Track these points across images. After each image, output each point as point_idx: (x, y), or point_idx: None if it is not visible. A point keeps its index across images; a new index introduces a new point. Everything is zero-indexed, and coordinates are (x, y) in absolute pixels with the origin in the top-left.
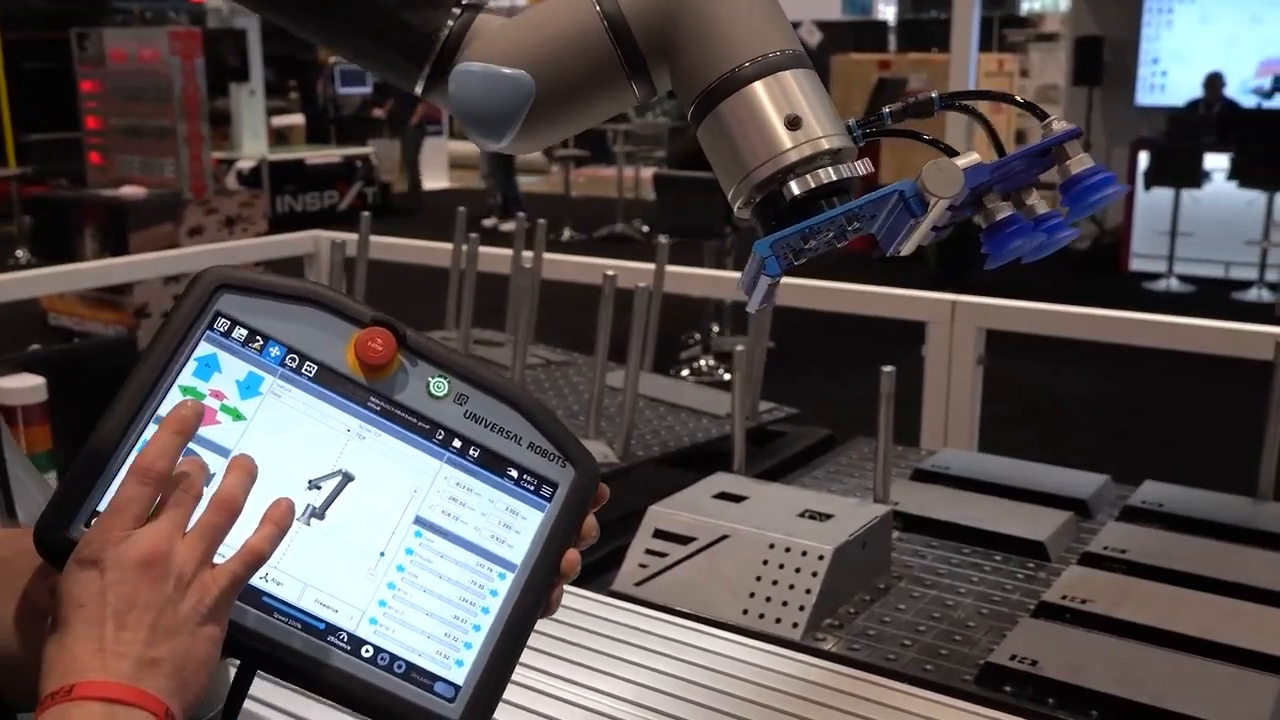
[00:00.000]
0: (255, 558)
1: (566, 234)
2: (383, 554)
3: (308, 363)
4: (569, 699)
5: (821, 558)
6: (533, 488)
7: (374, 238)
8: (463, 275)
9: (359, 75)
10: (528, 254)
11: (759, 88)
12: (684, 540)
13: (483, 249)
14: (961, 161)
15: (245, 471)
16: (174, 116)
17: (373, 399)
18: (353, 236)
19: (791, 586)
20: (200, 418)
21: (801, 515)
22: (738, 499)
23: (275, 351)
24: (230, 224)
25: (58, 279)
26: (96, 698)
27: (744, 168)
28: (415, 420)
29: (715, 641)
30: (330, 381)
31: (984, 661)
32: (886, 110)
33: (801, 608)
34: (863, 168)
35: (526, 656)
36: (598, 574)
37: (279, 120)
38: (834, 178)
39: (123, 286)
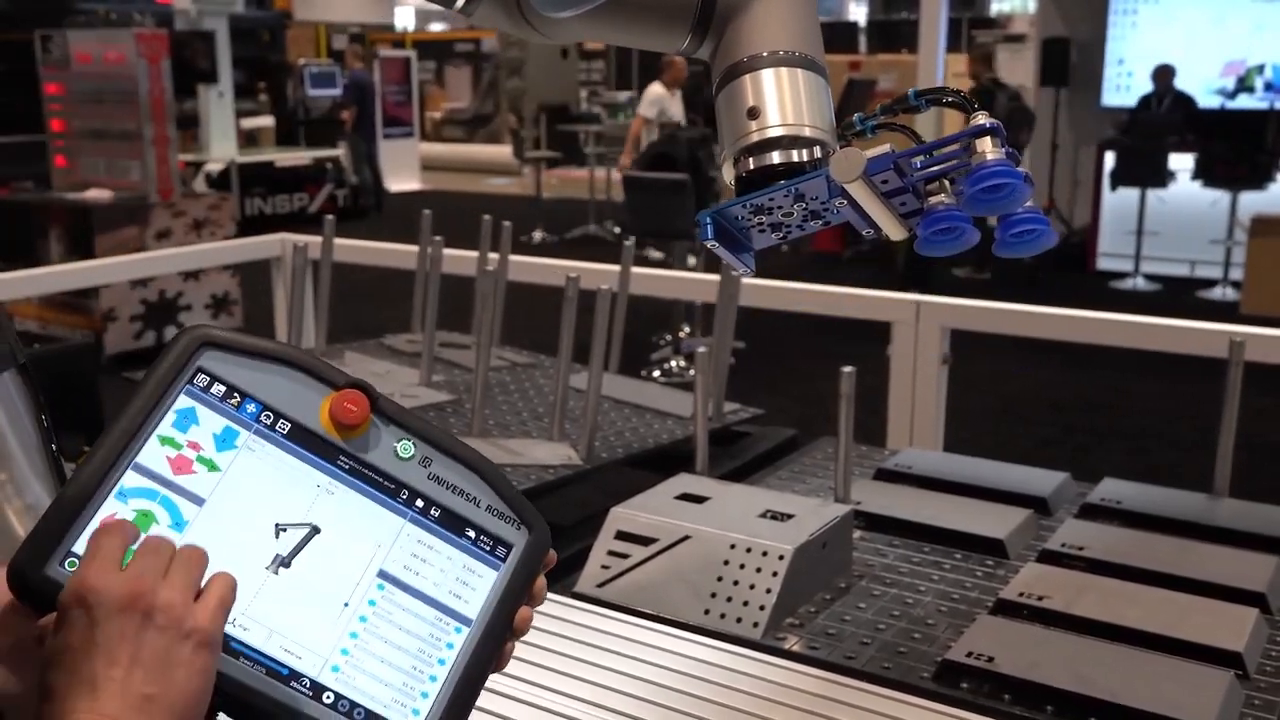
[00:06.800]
0: (230, 580)
1: (538, 236)
2: (347, 604)
3: (282, 420)
4: (532, 701)
5: (782, 558)
6: (489, 548)
7: (340, 240)
8: (428, 278)
9: (329, 77)
10: (494, 256)
11: (748, 80)
12: (646, 541)
13: (448, 251)
14: (870, 151)
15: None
16: (140, 119)
17: (342, 457)
18: (320, 240)
19: (752, 586)
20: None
21: (763, 515)
22: (700, 500)
23: (252, 408)
24: (198, 227)
25: (22, 283)
26: None
27: (724, 144)
28: (382, 479)
29: (677, 642)
30: (302, 439)
31: (941, 659)
32: (858, 113)
33: (762, 607)
34: (819, 153)
35: None
36: (560, 576)
37: (248, 122)
38: (776, 162)
39: (89, 290)
